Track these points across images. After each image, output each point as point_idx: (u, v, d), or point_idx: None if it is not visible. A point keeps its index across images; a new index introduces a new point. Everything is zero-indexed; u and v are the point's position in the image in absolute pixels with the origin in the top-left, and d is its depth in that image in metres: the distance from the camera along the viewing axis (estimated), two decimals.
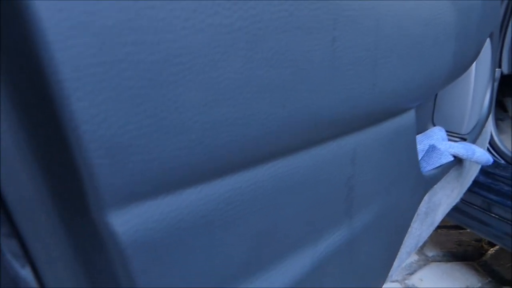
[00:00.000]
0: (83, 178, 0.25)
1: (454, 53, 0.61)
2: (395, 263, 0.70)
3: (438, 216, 0.87)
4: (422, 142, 0.80)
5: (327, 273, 0.49)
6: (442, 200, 0.86)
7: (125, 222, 0.27)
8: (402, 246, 0.71)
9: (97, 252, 0.28)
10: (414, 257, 1.86)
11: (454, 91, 0.99)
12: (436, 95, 1.01)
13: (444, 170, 0.80)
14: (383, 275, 0.66)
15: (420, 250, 1.91)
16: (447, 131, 1.01)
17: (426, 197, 0.76)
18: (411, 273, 1.76)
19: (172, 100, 0.27)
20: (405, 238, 0.71)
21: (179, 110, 0.28)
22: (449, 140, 0.98)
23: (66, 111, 0.23)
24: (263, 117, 0.33)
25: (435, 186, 0.80)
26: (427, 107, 1.01)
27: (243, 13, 0.29)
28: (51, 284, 0.30)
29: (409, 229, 0.72)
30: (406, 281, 1.71)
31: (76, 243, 0.28)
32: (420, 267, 1.80)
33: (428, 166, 0.77)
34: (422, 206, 0.75)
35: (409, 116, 0.58)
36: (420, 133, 0.95)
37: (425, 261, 1.83)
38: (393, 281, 1.69)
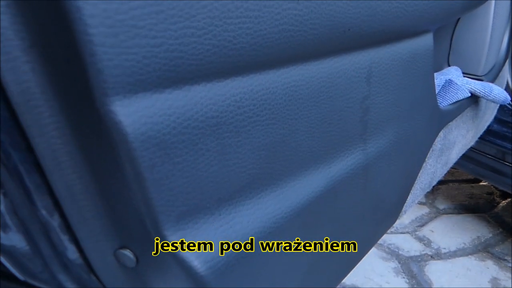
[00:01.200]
0: (85, 59, 0.24)
1: None
2: (409, 199, 0.69)
3: (453, 155, 0.85)
4: (438, 77, 0.77)
5: (341, 197, 0.47)
6: (457, 139, 0.84)
7: (131, 112, 0.26)
8: (416, 181, 0.69)
9: (104, 146, 0.27)
10: (425, 210, 1.86)
11: (471, 31, 0.95)
12: (452, 35, 0.97)
13: (460, 106, 0.78)
14: (398, 208, 0.65)
15: (431, 203, 1.91)
16: (463, 73, 0.97)
17: (441, 133, 0.74)
18: (422, 225, 1.76)
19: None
20: (420, 173, 0.69)
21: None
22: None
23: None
24: (274, 12, 0.31)
25: (450, 123, 0.78)
26: (443, 47, 0.97)
27: None
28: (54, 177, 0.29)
29: (424, 165, 0.71)
30: (417, 233, 1.71)
31: (83, 138, 0.27)
32: (431, 219, 1.80)
33: (444, 101, 0.74)
34: (438, 142, 0.73)
35: (427, 40, 0.55)
36: (436, 71, 0.92)
37: (436, 214, 1.83)
38: (403, 233, 1.70)
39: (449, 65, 1.01)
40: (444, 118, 0.72)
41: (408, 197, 0.68)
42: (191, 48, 0.27)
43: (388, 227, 0.65)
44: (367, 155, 0.49)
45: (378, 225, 0.60)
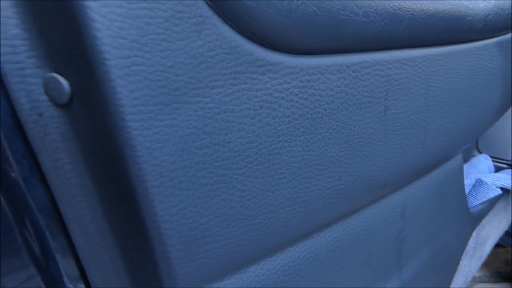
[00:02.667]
0: (159, 265, 0.28)
1: (501, 93, 0.60)
2: None
3: (487, 249, 0.85)
4: (469, 176, 0.78)
5: None
6: (490, 232, 0.84)
7: None
8: (451, 284, 0.70)
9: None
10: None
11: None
12: None
13: (491, 203, 0.79)
14: None
15: None
16: (493, 158, 0.99)
17: (474, 233, 0.75)
18: None
19: (240, 189, 0.29)
20: (454, 276, 0.70)
21: (246, 198, 0.30)
22: (495, 167, 0.96)
23: (151, 213, 0.26)
24: (321, 192, 0.35)
25: (483, 220, 0.79)
26: None
27: (303, 102, 0.31)
28: None
29: (458, 267, 0.71)
30: None
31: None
32: None
33: (475, 201, 0.76)
34: (471, 242, 0.74)
35: (457, 161, 0.58)
36: (465, 160, 0.94)
37: (472, 283, 1.78)
38: None
39: (479, 151, 1.03)
40: (476, 219, 0.73)
41: None
42: (249, 240, 0.31)
43: None
44: (402, 281, 0.51)
45: None
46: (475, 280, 1.79)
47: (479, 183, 0.76)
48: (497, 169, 0.94)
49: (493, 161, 0.96)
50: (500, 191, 0.77)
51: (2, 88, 0.25)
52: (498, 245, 1.97)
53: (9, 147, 0.26)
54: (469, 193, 0.77)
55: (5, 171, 0.26)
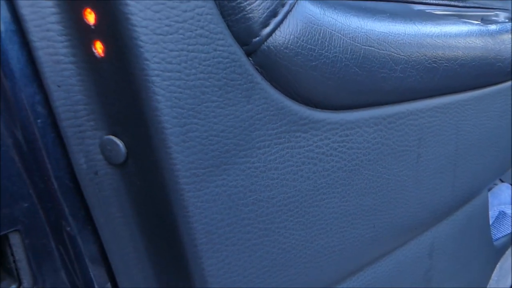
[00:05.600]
0: None
1: None
2: None
3: (509, 281, 0.84)
4: (492, 207, 0.78)
5: None
6: None
7: None
8: None
9: None
10: None
11: None
12: None
13: None
14: None
15: None
16: None
17: (497, 266, 0.75)
18: None
19: (281, 242, 0.30)
20: None
21: (286, 249, 0.31)
22: None
23: (198, 269, 0.27)
24: (356, 240, 0.35)
25: (506, 252, 0.79)
26: None
27: (342, 155, 0.32)
28: None
29: None
30: None
31: None
32: None
33: (499, 234, 0.75)
34: (494, 276, 0.74)
35: (483, 197, 0.58)
36: None
37: None
38: None
39: (500, 179, 1.02)
40: (499, 252, 0.73)
41: None
42: None
43: None
44: None
45: None
46: None
47: (502, 215, 0.76)
48: None
49: None
50: None
51: (62, 149, 0.26)
52: None
53: (65, 202, 0.27)
54: (492, 225, 0.76)
55: (61, 225, 0.27)
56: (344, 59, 0.29)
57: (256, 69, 0.26)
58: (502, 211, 0.76)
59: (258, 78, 0.26)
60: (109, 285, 0.30)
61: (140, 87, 0.23)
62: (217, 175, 0.26)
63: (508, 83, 0.52)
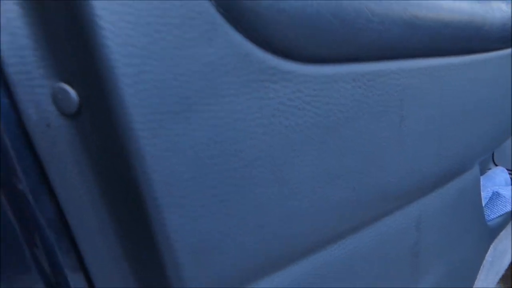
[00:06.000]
0: (169, 276, 0.27)
1: None
2: None
3: (504, 263, 0.83)
4: (486, 188, 0.77)
5: None
6: (508, 246, 0.82)
7: None
8: None
9: None
10: None
11: None
12: None
13: (509, 216, 0.77)
14: None
15: None
16: (509, 171, 0.96)
17: (491, 246, 0.73)
18: None
19: (253, 199, 0.28)
20: None
21: (258, 207, 0.29)
22: None
23: (161, 224, 0.25)
24: (335, 202, 0.34)
25: (500, 233, 0.77)
26: None
27: (316, 111, 0.30)
28: None
29: (476, 281, 0.69)
30: None
31: None
32: None
33: (492, 214, 0.74)
34: (488, 256, 0.72)
35: (474, 173, 0.56)
36: (481, 173, 0.92)
37: None
38: None
39: (495, 163, 1.01)
40: (493, 232, 0.71)
41: None
42: (260, 251, 0.30)
43: None
44: None
45: None
46: None
47: (496, 196, 0.74)
48: None
49: (510, 173, 0.94)
50: None
51: (10, 99, 0.24)
52: None
53: (16, 158, 0.25)
54: (486, 206, 0.75)
55: (12, 182, 0.26)
56: (315, 4, 0.28)
57: (218, 10, 0.25)
58: (496, 192, 0.74)
59: (220, 19, 0.25)
60: (69, 247, 0.28)
61: (85, 23, 0.21)
62: (177, 123, 0.24)
63: (498, 52, 0.50)
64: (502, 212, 0.74)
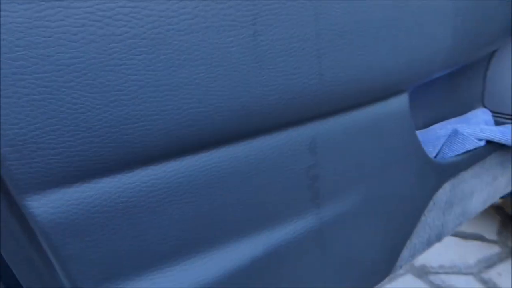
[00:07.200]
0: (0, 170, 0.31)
1: (454, 30, 0.56)
2: (406, 253, 0.68)
3: (473, 205, 0.81)
4: (444, 127, 0.74)
5: (289, 261, 0.50)
6: (477, 188, 0.79)
7: (42, 204, 0.33)
8: (413, 236, 0.68)
9: (22, 230, 0.34)
10: (495, 249, 1.71)
11: (504, 69, 0.90)
12: (486, 75, 0.92)
13: (474, 156, 0.74)
14: (387, 264, 0.65)
15: (504, 242, 1.75)
16: (498, 113, 0.92)
17: (447, 186, 0.72)
18: (489, 266, 1.62)
19: (71, 102, 0.32)
20: (417, 228, 0.68)
21: (79, 110, 0.32)
22: (497, 122, 0.89)
23: None
24: (175, 112, 0.36)
25: (464, 174, 0.75)
26: (474, 88, 0.93)
27: (137, 22, 0.33)
28: None
29: (423, 218, 0.69)
30: (482, 275, 1.58)
31: (6, 225, 0.35)
32: (501, 260, 1.65)
33: (450, 152, 0.72)
34: (442, 195, 0.71)
35: (398, 101, 0.56)
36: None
37: (508, 254, 1.67)
38: (466, 274, 1.58)
39: (484, 106, 0.96)
40: (445, 171, 0.69)
41: (403, 251, 0.67)
42: (91, 152, 0.34)
43: (378, 282, 0.65)
44: (321, 219, 0.51)
45: (360, 281, 0.61)
46: (467, 236, 1.70)
47: (454, 133, 0.72)
48: (498, 124, 0.88)
49: (495, 116, 0.89)
50: (480, 143, 0.73)
51: None
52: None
53: None
54: (444, 144, 0.73)
55: None
56: None
57: None
58: (454, 130, 0.72)
59: None
60: None
61: None
62: None
63: None
64: (461, 151, 0.72)
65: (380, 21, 0.47)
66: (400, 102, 0.56)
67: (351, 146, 0.52)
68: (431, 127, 0.77)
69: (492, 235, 1.79)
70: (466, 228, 1.79)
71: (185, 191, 0.40)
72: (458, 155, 0.72)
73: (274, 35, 0.39)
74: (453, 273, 1.59)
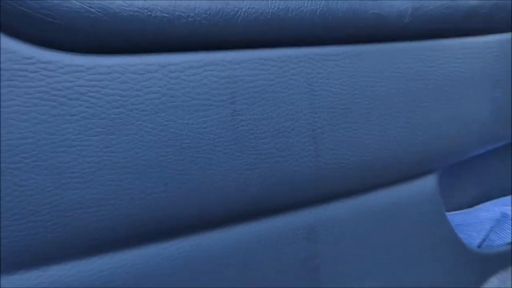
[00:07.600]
0: None
1: (492, 106, 0.49)
2: None
3: None
4: (491, 209, 0.64)
5: None
6: None
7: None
8: None
9: None
10: None
11: None
12: None
13: None
14: None
15: None
16: None
17: (495, 280, 0.61)
18: None
19: (17, 184, 0.30)
20: None
21: (27, 193, 0.30)
22: None
23: None
24: (136, 196, 0.33)
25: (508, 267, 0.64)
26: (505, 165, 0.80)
27: (95, 101, 0.31)
28: None
29: None
30: None
31: None
32: None
33: (499, 240, 0.61)
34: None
35: (425, 183, 0.49)
36: None
37: None
38: None
39: None
40: (492, 262, 0.59)
41: None
42: (41, 237, 0.31)
43: None
44: None
45: None
46: None
47: (503, 217, 0.62)
48: None
49: None
50: None
51: None
52: None
53: None
54: (492, 230, 0.63)
55: None
56: None
57: None
58: (504, 213, 0.61)
59: None
60: None
61: None
62: None
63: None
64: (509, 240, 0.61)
65: (394, 96, 0.42)
66: (426, 184, 0.49)
67: (362, 234, 0.45)
68: (473, 208, 0.67)
69: None
70: None
71: (151, 282, 0.36)
72: (509, 243, 0.61)
73: (256, 114, 0.36)
74: None
